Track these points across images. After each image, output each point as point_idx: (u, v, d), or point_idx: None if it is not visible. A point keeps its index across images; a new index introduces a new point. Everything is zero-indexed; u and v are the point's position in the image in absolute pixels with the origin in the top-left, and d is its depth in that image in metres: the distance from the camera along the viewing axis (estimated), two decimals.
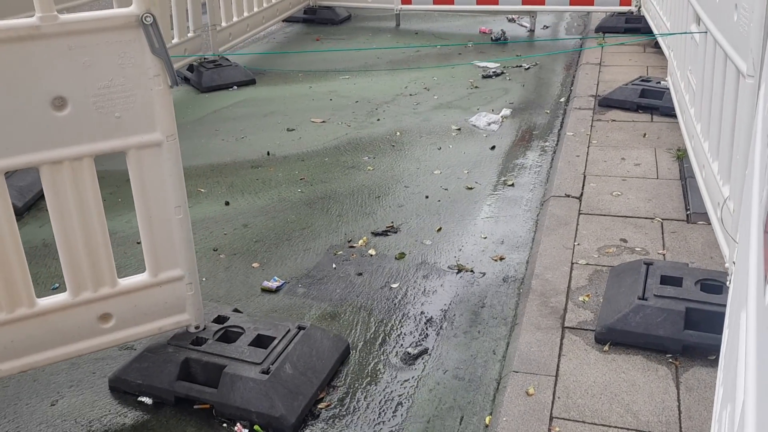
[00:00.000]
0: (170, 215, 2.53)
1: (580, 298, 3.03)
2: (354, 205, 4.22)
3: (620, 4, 8.03)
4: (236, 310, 2.94)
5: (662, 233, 3.55)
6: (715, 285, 2.79)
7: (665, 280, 2.85)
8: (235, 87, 6.60)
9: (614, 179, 4.20)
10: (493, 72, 6.84)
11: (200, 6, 6.64)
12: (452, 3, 8.72)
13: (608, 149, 4.67)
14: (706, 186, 3.30)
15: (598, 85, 6.06)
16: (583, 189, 4.11)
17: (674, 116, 4.86)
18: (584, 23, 8.87)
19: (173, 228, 2.55)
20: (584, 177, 4.27)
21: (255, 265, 3.58)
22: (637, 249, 3.41)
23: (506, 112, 5.70)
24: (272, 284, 3.33)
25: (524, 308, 3.01)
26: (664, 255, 3.35)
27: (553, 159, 4.77)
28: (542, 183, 4.46)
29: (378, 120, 5.68)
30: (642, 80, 5.59)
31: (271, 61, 7.57)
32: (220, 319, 2.84)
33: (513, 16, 9.06)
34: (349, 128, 5.52)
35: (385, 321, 3.11)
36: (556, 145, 5.04)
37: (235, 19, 7.23)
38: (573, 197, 4.01)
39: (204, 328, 2.77)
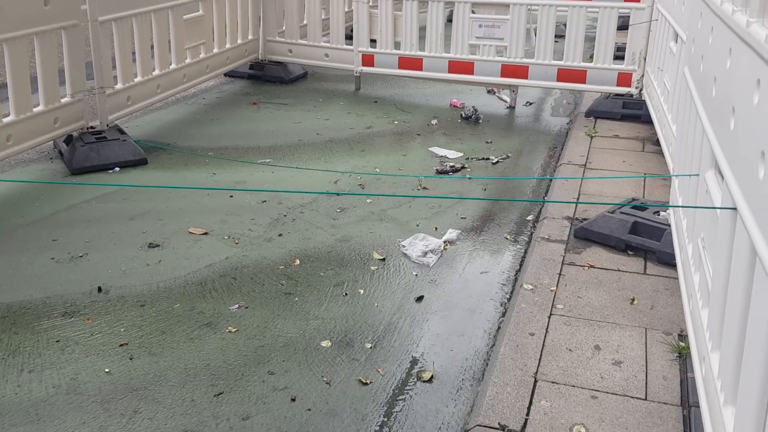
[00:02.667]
0: None
1: None
2: (173, 412, 2.73)
3: (617, 84, 6.67)
4: None
5: None
6: None
7: None
8: (117, 169, 5.17)
9: (580, 394, 2.73)
10: (452, 166, 5.42)
11: (83, 64, 5.27)
12: (420, 69, 7.37)
13: (579, 324, 3.21)
14: None
15: (578, 199, 4.64)
16: (528, 412, 2.63)
17: (677, 266, 3.43)
18: (575, 102, 7.49)
19: None
20: (535, 383, 2.80)
21: None
22: None
23: (452, 234, 4.26)
24: None
25: None
26: None
27: (497, 334, 3.30)
28: (474, 379, 2.98)
29: (279, 235, 4.23)
30: (635, 207, 4.16)
31: (181, 132, 6.16)
32: None
33: (492, 88, 7.70)
34: (236, 247, 4.07)
35: None
36: (508, 302, 3.59)
37: (138, 78, 5.84)
38: None
39: None
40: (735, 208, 1.99)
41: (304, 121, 6.58)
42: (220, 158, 5.44)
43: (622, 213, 4.04)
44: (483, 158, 5.67)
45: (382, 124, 6.58)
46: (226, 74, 7.93)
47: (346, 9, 7.75)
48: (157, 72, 6.10)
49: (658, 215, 4.01)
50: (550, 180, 5.02)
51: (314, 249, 4.07)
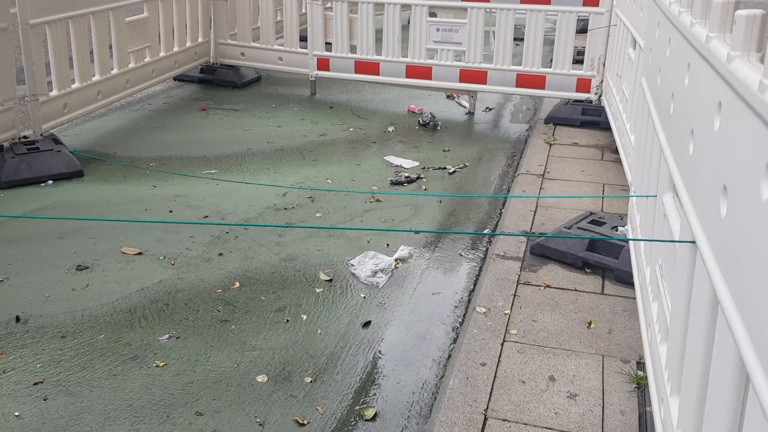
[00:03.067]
0: None
1: None
2: None
3: (576, 90, 6.54)
4: None
5: None
6: None
7: None
8: (51, 182, 4.85)
9: None
10: (407, 177, 5.21)
11: (13, 70, 4.93)
12: (377, 73, 7.15)
13: (533, 352, 3.02)
14: None
15: (535, 213, 4.46)
16: None
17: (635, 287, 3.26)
18: (535, 107, 7.35)
19: None
20: (485, 421, 2.60)
21: None
22: None
23: (404, 251, 4.05)
24: None
25: None
26: None
27: (447, 364, 3.09)
28: (421, 416, 2.77)
29: (219, 255, 3.97)
30: (592, 221, 3.99)
31: (124, 140, 5.84)
32: None
33: (451, 93, 7.52)
34: (171, 268, 3.80)
35: None
36: (460, 326, 3.38)
37: (76, 85, 5.51)
38: None
39: None
40: (694, 242, 1.81)
41: (255, 128, 6.32)
42: (160, 171, 5.14)
43: (579, 228, 3.88)
44: (440, 168, 5.47)
45: (336, 131, 6.34)
46: (175, 78, 7.62)
47: (301, 11, 7.50)
48: (97, 77, 5.77)
49: (616, 230, 3.85)
50: (506, 195, 4.84)
51: (256, 270, 3.82)
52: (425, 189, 5.05)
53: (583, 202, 4.60)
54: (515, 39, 6.62)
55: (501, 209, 4.75)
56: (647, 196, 2.71)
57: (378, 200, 4.81)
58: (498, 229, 4.30)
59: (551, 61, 6.64)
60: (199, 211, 4.52)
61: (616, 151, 5.43)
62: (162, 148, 5.67)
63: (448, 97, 7.57)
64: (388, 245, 4.15)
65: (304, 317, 3.39)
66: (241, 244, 4.10)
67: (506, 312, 3.31)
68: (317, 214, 4.55)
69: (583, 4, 6.23)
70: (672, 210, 2.27)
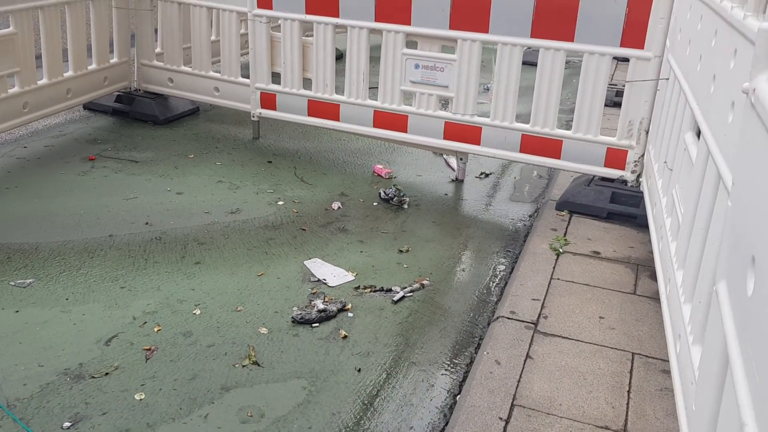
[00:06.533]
0: None
1: None
2: None
3: (605, 164, 4.57)
4: None
5: None
6: None
7: None
8: None
9: None
10: (321, 310, 3.32)
11: None
12: (336, 118, 5.29)
13: None
14: None
15: (507, 423, 2.55)
16: None
17: None
18: (549, 175, 5.38)
19: None
20: None
21: None
22: None
23: None
24: None
25: None
26: None
27: None
28: None
29: None
30: None
31: None
32: None
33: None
34: None
35: None
36: None
37: None
38: None
39: None
40: None
41: (144, 194, 4.50)
42: None
43: None
44: (381, 289, 3.58)
45: (258, 205, 4.49)
46: (85, 107, 5.92)
47: (242, 30, 5.67)
48: None
49: None
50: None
51: None
52: (344, 336, 3.17)
53: (594, 400, 2.67)
54: (526, 63, 4.67)
55: (455, 397, 2.84)
56: None
57: (256, 363, 2.95)
58: None
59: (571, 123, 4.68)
60: None
61: (654, 278, 3.48)
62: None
63: (436, 153, 5.67)
64: None
65: None
66: None
67: None
68: (137, 396, 2.70)
69: (621, 45, 4.26)
70: None
